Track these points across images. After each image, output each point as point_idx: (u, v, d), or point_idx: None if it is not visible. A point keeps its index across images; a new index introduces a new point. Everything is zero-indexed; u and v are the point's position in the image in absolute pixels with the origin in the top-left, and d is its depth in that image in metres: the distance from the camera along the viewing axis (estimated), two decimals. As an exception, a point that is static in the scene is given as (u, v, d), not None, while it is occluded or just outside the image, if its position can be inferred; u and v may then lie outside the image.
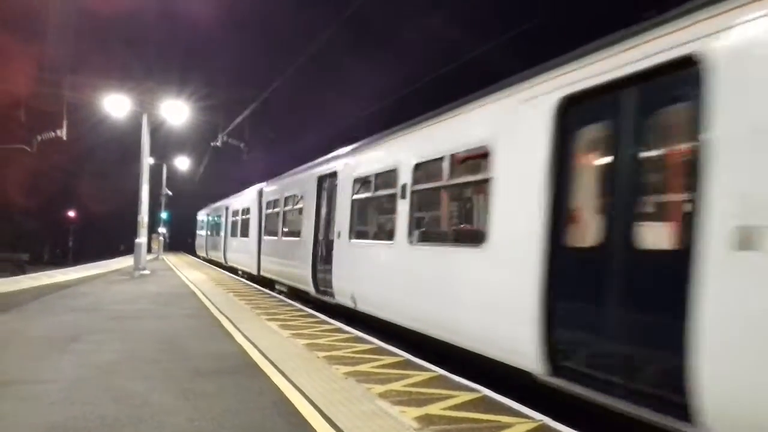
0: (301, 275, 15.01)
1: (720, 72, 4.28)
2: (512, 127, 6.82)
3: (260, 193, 22.18)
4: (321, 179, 14.32)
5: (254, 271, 21.92)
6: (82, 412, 5.06)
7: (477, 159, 7.65)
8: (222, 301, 13.73)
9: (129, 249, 24.46)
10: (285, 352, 7.86)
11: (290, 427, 4.85)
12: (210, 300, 13.93)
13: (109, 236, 66.35)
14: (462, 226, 8.67)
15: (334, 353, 7.89)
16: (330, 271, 12.79)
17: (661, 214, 5.20)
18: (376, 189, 10.93)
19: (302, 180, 16.32)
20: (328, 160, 14.20)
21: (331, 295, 12.68)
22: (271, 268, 19.54)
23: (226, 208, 30.76)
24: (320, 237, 14.15)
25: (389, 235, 9.98)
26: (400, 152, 9.87)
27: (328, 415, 5.13)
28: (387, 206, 10.58)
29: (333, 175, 13.40)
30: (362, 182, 11.60)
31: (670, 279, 4.61)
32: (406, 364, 7.40)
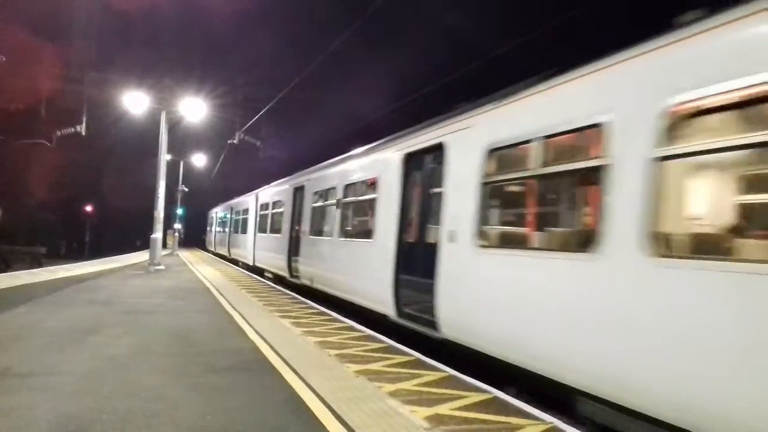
0: (281, 263, 18.84)
1: (449, 152, 8.42)
2: (387, 167, 10.80)
3: (256, 198, 25.67)
4: (295, 190, 18.19)
5: (250, 262, 25.67)
6: (96, 405, 5.13)
7: (371, 185, 11.68)
8: (235, 298, 13.81)
9: (145, 244, 24.71)
10: (297, 350, 7.89)
11: (301, 424, 4.87)
12: (223, 296, 14.02)
13: (125, 231, 67.02)
14: (363, 226, 12.37)
15: (345, 351, 7.91)
16: (298, 260, 16.78)
17: (434, 222, 8.87)
18: (326, 200, 14.70)
19: (283, 190, 20.29)
20: (300, 176, 18.34)
21: (298, 277, 16.62)
22: (261, 258, 23.38)
23: (231, 209, 34.91)
24: (293, 234, 17.79)
25: (330, 233, 13.95)
26: (337, 177, 14.01)
27: (339, 413, 5.15)
28: (331, 212, 14.11)
29: (301, 188, 17.39)
30: (318, 194, 15.45)
31: (432, 258, 8.35)
32: (418, 364, 7.40)
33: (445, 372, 6.99)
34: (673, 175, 4.74)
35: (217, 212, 42.95)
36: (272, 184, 23.13)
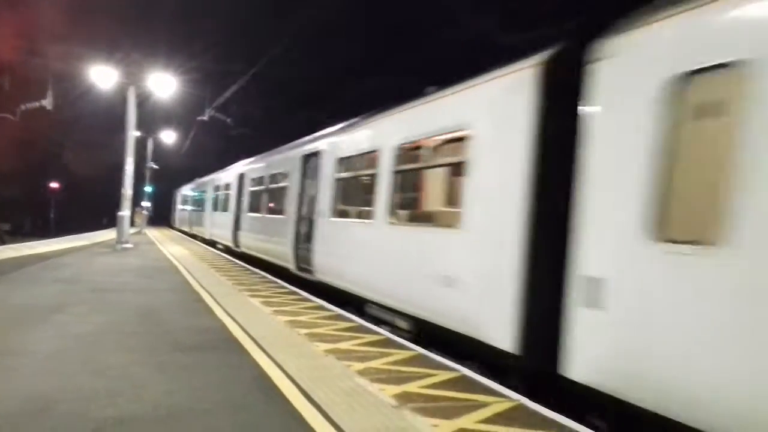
0: (228, 236, 23.08)
1: (322, 157, 12.44)
2: (294, 165, 14.61)
3: (212, 181, 29.52)
4: (240, 176, 21.88)
5: (207, 236, 29.25)
6: (60, 384, 5.04)
7: (284, 177, 15.58)
8: (204, 276, 13.69)
9: (112, 222, 24.26)
10: (266, 329, 7.86)
11: (268, 402, 4.87)
12: (192, 275, 13.89)
13: (93, 209, 65.75)
14: (279, 206, 15.97)
15: (315, 330, 7.90)
16: (239, 234, 21.03)
17: (314, 205, 12.67)
18: (259, 185, 18.85)
19: (228, 176, 24.99)
20: (239, 165, 23.11)
21: (238, 246, 21.24)
22: (214, 233, 27.12)
23: (183, 192, 41.61)
24: (237, 213, 21.69)
25: (257, 210, 18.73)
26: (263, 169, 18.36)
27: (307, 391, 5.16)
28: (261, 196, 18.42)
29: (242, 175, 21.45)
30: (254, 180, 19.50)
31: (312, 228, 12.37)
32: (387, 343, 7.44)
33: (414, 351, 7.04)
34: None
35: (181, 193, 45.29)
36: (222, 170, 27.98)
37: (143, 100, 23.22)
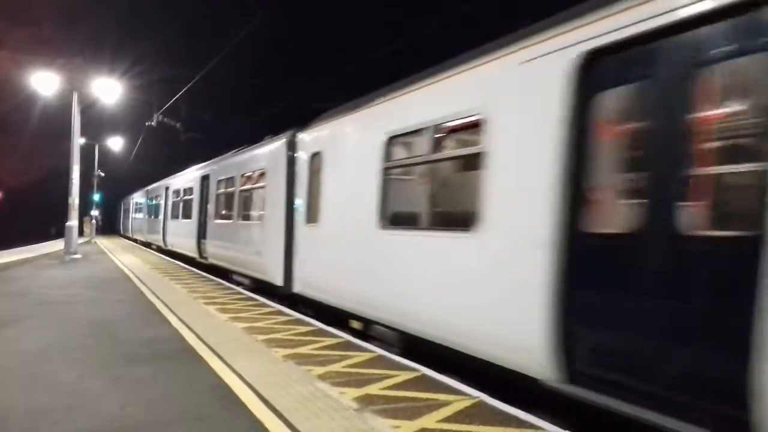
0: (157, 237, 27.71)
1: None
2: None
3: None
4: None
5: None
6: (9, 403, 4.85)
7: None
8: (158, 286, 13.40)
9: (60, 232, 23.52)
10: (223, 336, 7.74)
11: (226, 411, 4.79)
12: (145, 284, 13.57)
13: (39, 219, 63.55)
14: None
15: (273, 336, 7.82)
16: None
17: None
18: (182, 195, 22.50)
19: (161, 186, 27.89)
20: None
21: (165, 243, 25.06)
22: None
23: (135, 199, 40.81)
24: (167, 218, 25.51)
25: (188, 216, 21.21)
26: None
27: (266, 398, 5.09)
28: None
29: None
30: (176, 192, 23.30)
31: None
32: (347, 346, 7.41)
33: (374, 352, 7.03)
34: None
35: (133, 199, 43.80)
36: (163, 179, 28.96)
37: (88, 106, 22.60)
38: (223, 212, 16.96)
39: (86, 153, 31.68)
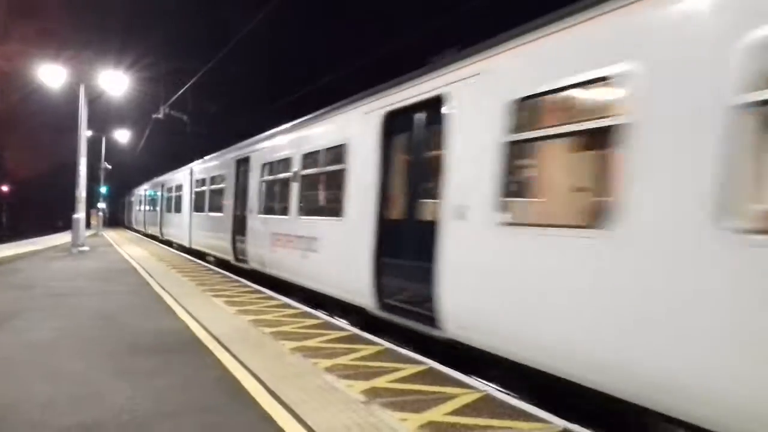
0: (152, 229, 31.26)
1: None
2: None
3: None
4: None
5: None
6: (17, 393, 4.87)
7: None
8: (164, 278, 13.43)
9: (67, 225, 23.60)
10: (230, 329, 7.75)
11: (234, 403, 4.79)
12: (152, 276, 13.61)
13: (47, 212, 63.91)
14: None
15: (280, 329, 7.82)
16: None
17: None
18: (174, 191, 26.62)
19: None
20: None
21: (160, 234, 28.99)
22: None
23: (136, 193, 44.98)
24: (163, 211, 28.86)
25: (178, 209, 25.39)
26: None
27: (274, 390, 5.09)
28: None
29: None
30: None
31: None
32: (354, 339, 7.41)
33: (382, 345, 7.03)
34: None
35: (138, 192, 44.78)
36: (163, 175, 31.74)
37: (95, 99, 22.61)
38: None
39: (93, 145, 31.71)
